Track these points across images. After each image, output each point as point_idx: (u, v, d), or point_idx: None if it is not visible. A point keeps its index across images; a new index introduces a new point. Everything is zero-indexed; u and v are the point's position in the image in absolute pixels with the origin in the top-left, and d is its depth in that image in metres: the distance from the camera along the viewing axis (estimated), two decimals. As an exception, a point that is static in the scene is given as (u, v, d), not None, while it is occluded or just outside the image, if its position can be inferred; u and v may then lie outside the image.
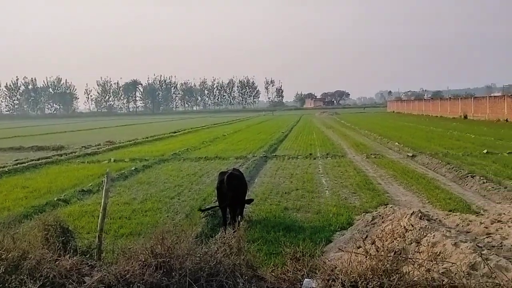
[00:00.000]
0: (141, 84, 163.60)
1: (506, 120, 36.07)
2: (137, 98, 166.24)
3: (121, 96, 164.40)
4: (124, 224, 8.49)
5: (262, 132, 34.99)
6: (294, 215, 9.05)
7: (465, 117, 45.17)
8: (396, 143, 21.91)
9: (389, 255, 4.36)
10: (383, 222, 7.41)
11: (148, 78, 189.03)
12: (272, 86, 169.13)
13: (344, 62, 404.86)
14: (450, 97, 68.06)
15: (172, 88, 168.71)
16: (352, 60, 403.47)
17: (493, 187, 10.73)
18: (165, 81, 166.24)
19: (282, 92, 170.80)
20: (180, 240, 4.59)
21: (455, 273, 3.97)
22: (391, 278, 3.89)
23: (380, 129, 33.12)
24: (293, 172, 14.49)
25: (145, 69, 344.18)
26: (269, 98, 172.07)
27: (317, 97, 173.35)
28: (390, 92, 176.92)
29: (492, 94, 66.14)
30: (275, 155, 18.91)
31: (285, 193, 11.15)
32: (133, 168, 15.51)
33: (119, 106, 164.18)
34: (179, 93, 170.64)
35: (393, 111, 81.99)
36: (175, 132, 37.07)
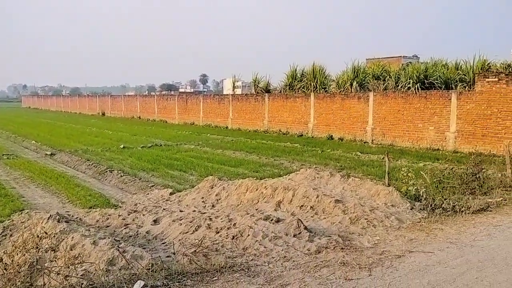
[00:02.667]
0: None
1: (139, 117, 40.21)
2: None
3: None
4: None
5: None
6: None
7: (103, 114, 47.24)
8: (33, 142, 20.29)
9: (20, 270, 3.81)
10: (16, 231, 6.57)
11: None
12: None
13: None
14: (88, 94, 69.43)
15: None
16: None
17: (129, 179, 11.58)
18: None
19: None
20: None
21: (94, 273, 3.88)
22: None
23: (14, 127, 29.87)
24: None
25: None
26: None
27: None
28: (25, 86, 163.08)
29: (126, 93, 72.13)
30: None
31: None
32: None
33: None
34: None
35: (29, 107, 75.95)
36: None
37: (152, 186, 10.84)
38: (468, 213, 6.99)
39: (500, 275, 4.66)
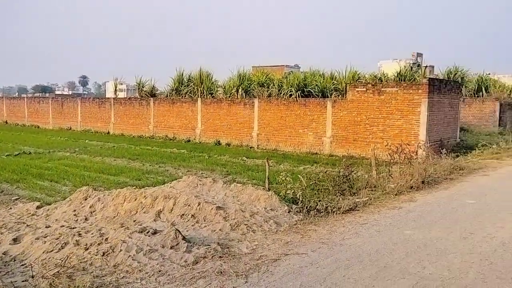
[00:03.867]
0: None
1: (6, 122, 35.90)
2: None
3: None
4: None
5: None
6: None
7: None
8: None
9: None
10: None
11: None
12: None
13: None
14: None
15: None
16: None
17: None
18: None
19: None
20: None
21: None
22: None
23: None
24: None
25: None
26: None
27: None
28: None
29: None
30: None
31: None
32: None
33: None
34: None
35: None
36: None
37: (17, 199, 9.65)
38: (338, 213, 7.47)
39: (365, 271, 5.01)
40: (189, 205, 7.49)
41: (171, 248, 5.57)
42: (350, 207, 7.85)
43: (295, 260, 5.34)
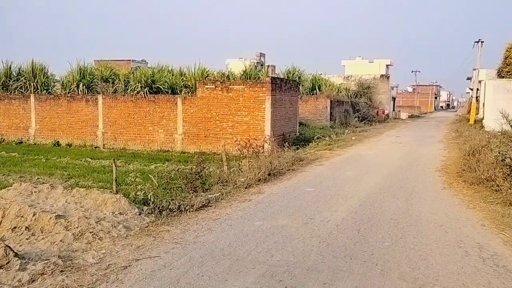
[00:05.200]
0: None
1: None
2: None
3: None
4: None
5: None
6: None
7: None
8: None
9: None
10: None
11: None
12: None
13: None
14: None
15: None
16: None
17: None
18: None
19: None
20: None
21: None
22: None
23: None
24: None
25: None
26: None
27: None
28: None
29: None
30: None
31: None
32: None
33: None
34: None
35: None
36: None
37: None
38: (192, 210, 7.45)
39: (218, 266, 5.07)
40: (22, 216, 6.56)
41: (0, 268, 4.78)
42: (203, 203, 7.90)
43: (147, 264, 5.12)
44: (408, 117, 53.25)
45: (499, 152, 9.32)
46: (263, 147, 13.44)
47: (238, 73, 20.46)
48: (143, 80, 18.91)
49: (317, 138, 20.00)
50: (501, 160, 9.12)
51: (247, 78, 18.73)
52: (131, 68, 27.19)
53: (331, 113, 28.99)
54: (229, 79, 18.52)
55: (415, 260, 5.32)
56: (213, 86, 17.30)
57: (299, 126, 21.54)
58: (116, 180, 8.19)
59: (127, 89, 19.32)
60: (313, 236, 6.23)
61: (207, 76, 19.14)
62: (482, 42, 40.67)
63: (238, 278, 4.75)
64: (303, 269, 5.00)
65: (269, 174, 10.77)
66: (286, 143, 15.46)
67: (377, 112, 41.76)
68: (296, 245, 5.82)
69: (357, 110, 34.95)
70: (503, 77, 33.05)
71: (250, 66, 21.68)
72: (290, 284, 4.58)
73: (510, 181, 8.60)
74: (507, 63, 33.36)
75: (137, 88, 18.77)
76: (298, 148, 16.52)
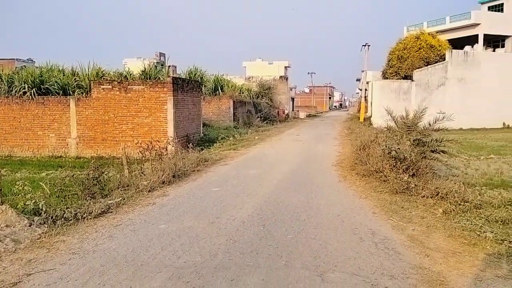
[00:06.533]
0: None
1: None
2: None
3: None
4: None
5: None
6: None
7: None
8: None
9: None
10: None
11: None
12: None
13: None
14: None
15: None
16: None
17: None
18: None
19: None
20: None
21: None
22: None
23: None
24: None
25: None
26: None
27: None
28: None
29: None
30: None
31: None
32: None
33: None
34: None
35: None
36: None
37: None
38: (90, 218, 6.98)
39: (121, 274, 4.81)
40: None
41: None
42: (103, 210, 7.45)
43: (41, 278, 4.67)
44: (306, 117, 56.22)
45: (385, 146, 10.26)
46: (166, 149, 13.12)
47: (137, 73, 19.72)
48: (29, 81, 17.30)
49: (222, 138, 20.12)
50: (388, 153, 10.04)
51: (147, 78, 18.16)
52: (16, 67, 24.69)
53: (234, 113, 29.40)
54: (127, 79, 17.77)
55: (316, 249, 5.61)
56: (110, 87, 16.45)
57: (203, 127, 21.47)
58: (1, 190, 7.35)
59: (11, 91, 17.50)
60: (220, 235, 6.23)
61: (102, 76, 18.14)
62: (368, 45, 44.57)
63: (143, 283, 4.56)
64: (210, 268, 4.97)
65: (173, 176, 10.55)
66: (191, 144, 15.30)
67: (278, 112, 43.39)
68: (203, 245, 5.78)
69: (259, 110, 35.93)
70: (387, 78, 36.52)
71: (149, 66, 21.03)
72: (197, 284, 4.52)
73: (396, 172, 9.52)
74: (390, 65, 36.93)
75: (23, 89, 17.09)
76: (202, 149, 16.46)
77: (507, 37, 36.64)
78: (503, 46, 37.48)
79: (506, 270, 4.89)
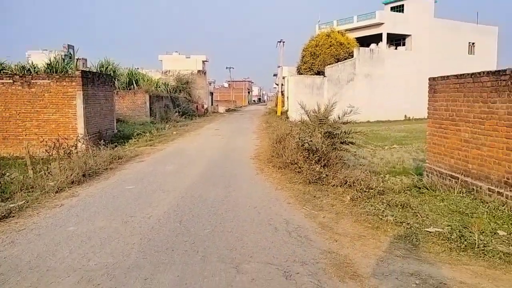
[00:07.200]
0: None
1: None
2: None
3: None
4: None
5: None
6: None
7: None
8: None
9: None
10: None
11: None
12: None
13: None
14: None
15: None
16: None
17: None
18: None
19: None
20: None
21: None
22: None
23: None
24: None
25: None
26: None
27: None
28: None
29: None
30: None
31: None
32: None
33: None
34: None
35: None
36: None
37: None
38: (-12, 224, 6.37)
39: (25, 281, 4.49)
40: None
41: None
42: (3, 214, 6.85)
43: None
44: (226, 111, 56.44)
45: (299, 139, 10.68)
46: (76, 146, 12.37)
47: (42, 67, 18.31)
48: None
49: (137, 134, 19.46)
50: (301, 145, 10.46)
51: (53, 72, 16.96)
52: None
53: (151, 108, 28.57)
54: (30, 73, 16.43)
55: (233, 242, 5.69)
56: (11, 81, 15.10)
57: (117, 122, 20.59)
58: None
59: None
60: (134, 234, 6.05)
61: (2, 70, 16.58)
62: (283, 42, 45.85)
63: (49, 290, 4.28)
64: (123, 268, 4.81)
65: (84, 175, 10.00)
66: (103, 141, 14.59)
67: (197, 106, 43.01)
68: (116, 245, 5.57)
69: (177, 105, 35.31)
70: (302, 73, 37.92)
71: (56, 58, 19.62)
72: (109, 286, 4.36)
73: (309, 163, 9.95)
74: (304, 62, 38.39)
75: None
76: (116, 146, 15.77)
77: (407, 36, 39.92)
78: (404, 45, 40.79)
79: (404, 250, 5.37)
